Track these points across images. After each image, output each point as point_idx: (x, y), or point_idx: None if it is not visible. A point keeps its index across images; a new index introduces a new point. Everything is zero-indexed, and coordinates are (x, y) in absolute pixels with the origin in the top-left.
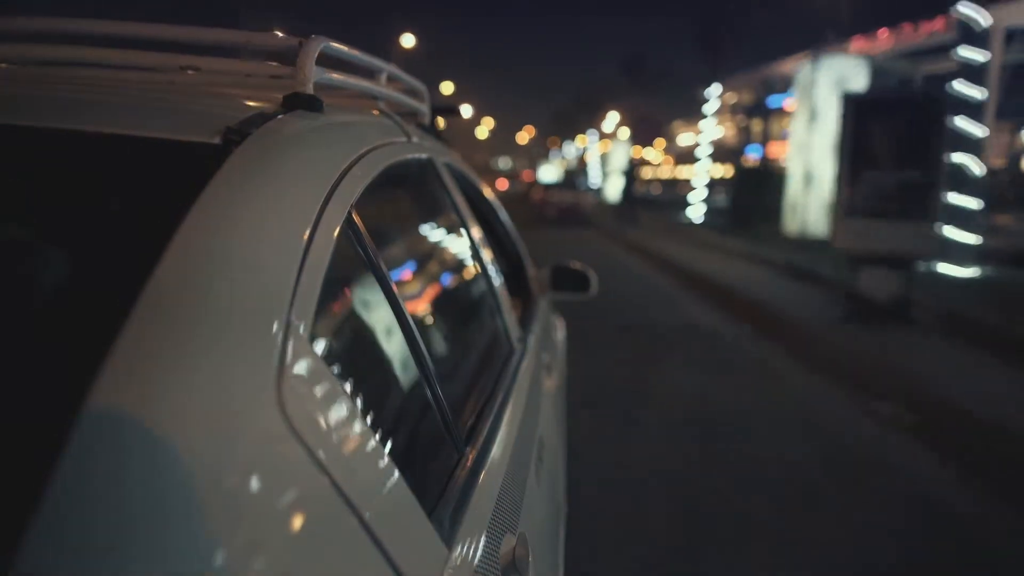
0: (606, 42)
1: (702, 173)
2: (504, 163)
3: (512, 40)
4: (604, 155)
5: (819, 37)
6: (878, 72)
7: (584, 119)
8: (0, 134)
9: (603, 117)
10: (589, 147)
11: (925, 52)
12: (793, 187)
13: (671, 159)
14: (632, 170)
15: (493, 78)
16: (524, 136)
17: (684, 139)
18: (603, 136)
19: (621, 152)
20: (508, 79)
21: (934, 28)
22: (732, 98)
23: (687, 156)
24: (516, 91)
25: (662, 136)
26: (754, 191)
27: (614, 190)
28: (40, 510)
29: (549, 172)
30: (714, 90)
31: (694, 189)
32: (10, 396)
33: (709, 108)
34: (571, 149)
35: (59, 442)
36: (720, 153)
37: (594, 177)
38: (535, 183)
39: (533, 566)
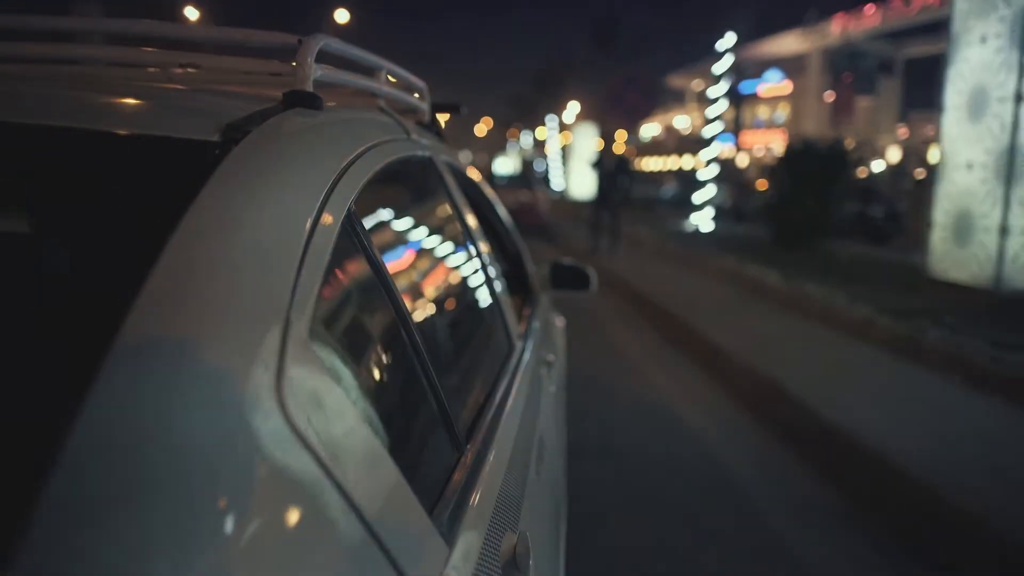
0: (571, 22)
1: (711, 165)
2: (465, 157)
3: (469, 26)
4: (566, 147)
5: (791, 17)
6: (853, 54)
7: (545, 105)
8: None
9: (564, 106)
10: (549, 136)
11: (912, 31)
12: (959, 184)
13: (632, 150)
14: (624, 164)
15: (448, 67)
16: (482, 128)
17: (648, 130)
18: (564, 127)
19: (588, 136)
20: (464, 69)
21: (927, 2)
22: (699, 85)
23: (651, 148)
24: (473, 82)
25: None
26: (820, 190)
27: (582, 185)
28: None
29: (505, 165)
30: (728, 41)
31: (702, 184)
32: (9, 391)
33: (720, 67)
34: (529, 139)
35: (55, 443)
36: (687, 144)
37: (554, 171)
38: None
39: (534, 564)
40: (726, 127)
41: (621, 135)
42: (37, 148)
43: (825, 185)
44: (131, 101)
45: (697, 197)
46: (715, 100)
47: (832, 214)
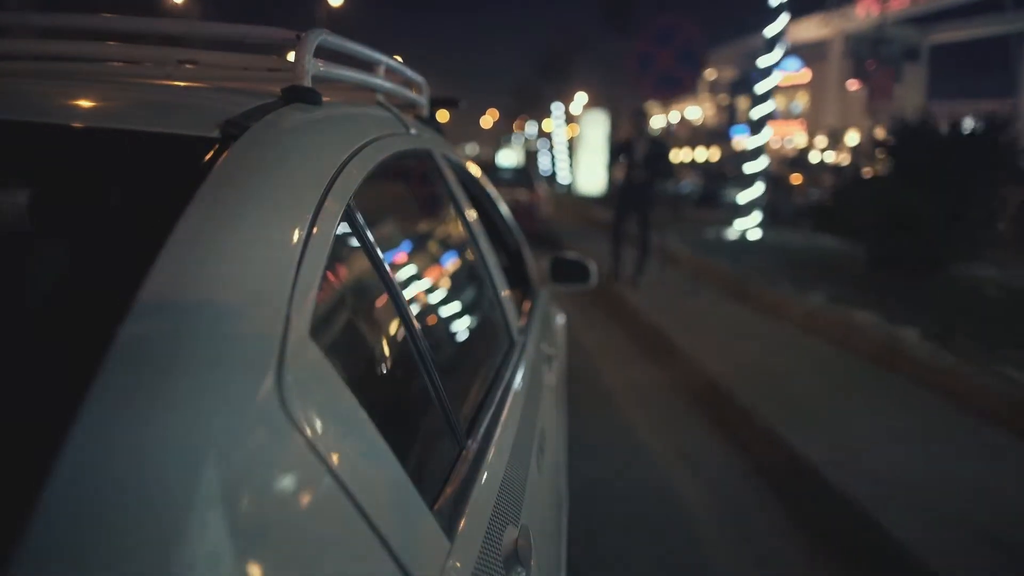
0: (576, 5)
1: (760, 156)
2: (472, 149)
3: (471, 18)
4: (573, 139)
5: (810, 2)
6: (878, 40)
7: (550, 93)
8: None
9: (571, 96)
10: (555, 127)
11: (939, 16)
12: None
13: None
14: (660, 151)
15: (452, 60)
16: (488, 120)
17: (656, 121)
18: (571, 119)
19: (598, 124)
20: (469, 61)
21: None
22: (711, 74)
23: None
24: (478, 74)
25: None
26: (955, 191)
27: (591, 180)
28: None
29: (508, 157)
30: None
31: (749, 181)
32: (8, 391)
33: (774, 28)
34: (534, 130)
35: (55, 443)
36: (699, 136)
37: (560, 163)
38: None
39: (535, 558)
40: (740, 118)
41: (627, 126)
42: (36, 146)
43: (966, 183)
44: (130, 97)
45: (742, 197)
46: (767, 72)
47: (977, 225)
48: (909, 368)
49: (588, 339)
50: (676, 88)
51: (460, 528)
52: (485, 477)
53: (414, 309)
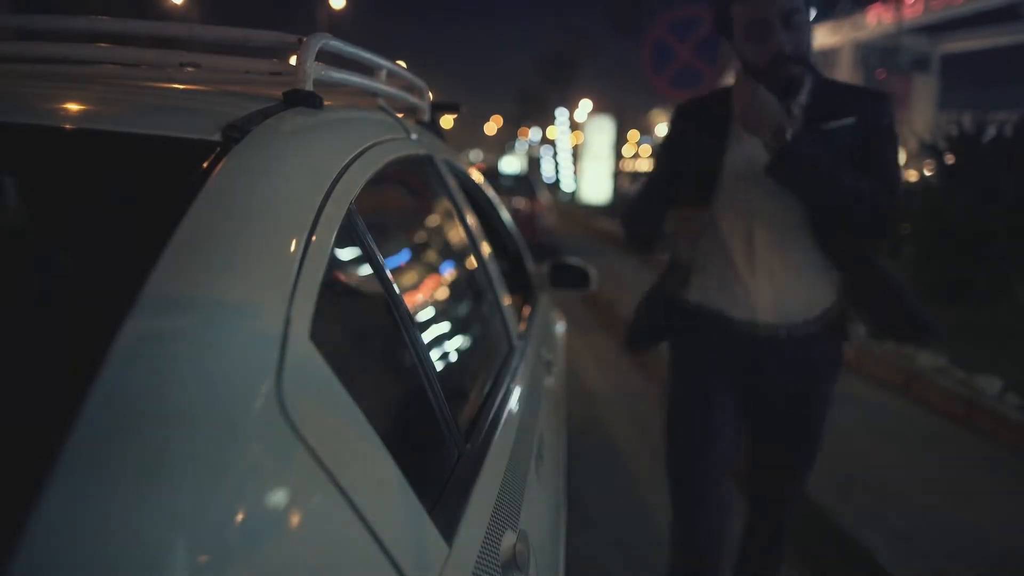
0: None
1: None
2: (476, 156)
3: (475, 25)
4: (577, 146)
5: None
6: (886, 50)
7: (554, 98)
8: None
9: (575, 102)
10: (559, 133)
11: (950, 25)
12: None
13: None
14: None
15: (457, 64)
16: (492, 127)
17: (659, 130)
18: (575, 127)
19: (603, 131)
20: (473, 67)
21: None
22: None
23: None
24: (482, 80)
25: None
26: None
27: (595, 187)
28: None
29: (511, 164)
30: None
31: None
32: (9, 392)
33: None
34: (537, 136)
35: (54, 444)
36: None
37: (564, 170)
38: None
39: (534, 563)
40: None
41: (633, 136)
42: (37, 148)
43: None
44: (131, 100)
45: None
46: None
47: None
48: (994, 429)
49: None
50: (697, 84)
51: (459, 533)
52: (484, 482)
53: (414, 313)
